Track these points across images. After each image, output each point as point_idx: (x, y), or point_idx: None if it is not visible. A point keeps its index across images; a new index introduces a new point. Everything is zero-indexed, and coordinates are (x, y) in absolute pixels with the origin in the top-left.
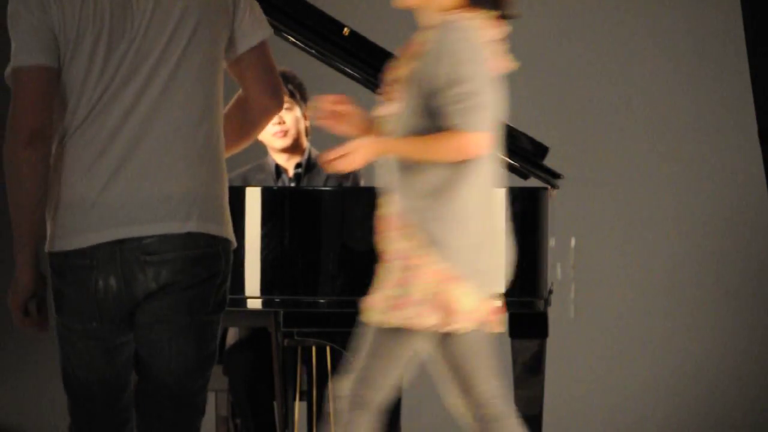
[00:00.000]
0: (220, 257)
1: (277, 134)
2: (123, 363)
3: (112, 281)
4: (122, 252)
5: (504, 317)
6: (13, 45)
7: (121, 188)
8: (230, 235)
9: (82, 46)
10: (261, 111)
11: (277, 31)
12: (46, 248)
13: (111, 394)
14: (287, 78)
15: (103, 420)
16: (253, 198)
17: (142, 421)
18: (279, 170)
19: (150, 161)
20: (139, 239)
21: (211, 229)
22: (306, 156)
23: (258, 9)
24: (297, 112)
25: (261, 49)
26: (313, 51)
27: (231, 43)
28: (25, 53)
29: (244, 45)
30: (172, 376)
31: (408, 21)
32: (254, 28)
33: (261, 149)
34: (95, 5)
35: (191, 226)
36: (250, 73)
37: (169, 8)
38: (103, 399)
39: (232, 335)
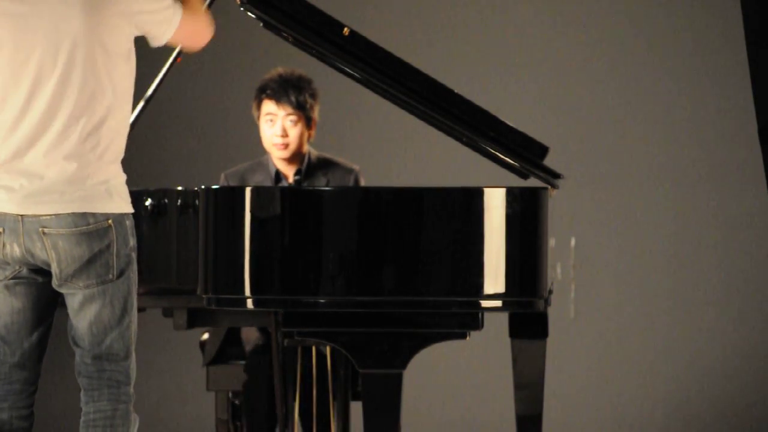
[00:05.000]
0: (111, 228)
1: (278, 146)
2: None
3: (16, 248)
4: (24, 224)
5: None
6: None
7: (21, 175)
8: (121, 208)
9: None
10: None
11: (277, 31)
12: None
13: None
14: (302, 86)
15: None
16: (253, 198)
17: (86, 385)
18: (279, 176)
19: (42, 153)
20: (37, 216)
21: (98, 208)
22: (306, 162)
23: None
24: (302, 125)
25: (174, 37)
26: (313, 51)
27: (149, 38)
28: None
29: (158, 42)
30: (92, 336)
31: (408, 21)
32: (159, 30)
33: (260, 148)
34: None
35: (83, 207)
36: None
37: (54, 19)
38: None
39: (256, 337)
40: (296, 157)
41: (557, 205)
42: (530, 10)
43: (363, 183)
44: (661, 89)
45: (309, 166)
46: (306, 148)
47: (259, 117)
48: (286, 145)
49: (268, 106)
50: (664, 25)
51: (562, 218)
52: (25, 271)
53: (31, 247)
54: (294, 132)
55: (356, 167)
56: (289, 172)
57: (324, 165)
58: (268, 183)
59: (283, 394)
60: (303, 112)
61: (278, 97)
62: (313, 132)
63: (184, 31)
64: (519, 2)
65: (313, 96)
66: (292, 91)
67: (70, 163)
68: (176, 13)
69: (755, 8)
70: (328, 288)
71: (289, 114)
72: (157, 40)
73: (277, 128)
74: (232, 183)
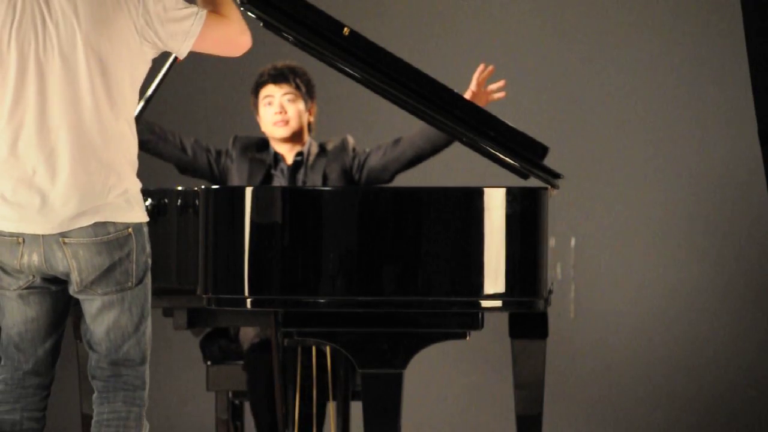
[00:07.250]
0: (131, 236)
1: (278, 123)
2: (45, 314)
3: (35, 257)
4: (44, 236)
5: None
6: None
7: (35, 191)
8: (139, 218)
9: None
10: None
11: (277, 31)
12: None
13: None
14: (296, 72)
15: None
16: (253, 198)
17: (101, 388)
18: (277, 158)
19: (57, 168)
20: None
21: (118, 217)
22: (307, 147)
23: (171, 16)
24: (300, 104)
25: (199, 42)
26: (313, 51)
27: (171, 51)
28: None
29: (182, 53)
30: (110, 342)
31: (408, 21)
32: (178, 41)
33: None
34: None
35: (104, 217)
36: (207, 51)
37: (63, 28)
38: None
39: (252, 336)
40: (297, 140)
41: (557, 205)
42: (530, 10)
43: (353, 144)
44: (661, 89)
45: (309, 153)
46: (307, 137)
47: (257, 106)
48: (287, 122)
49: (266, 89)
50: (665, 25)
51: (562, 218)
52: (38, 281)
53: (50, 257)
54: (293, 109)
55: (345, 136)
56: (290, 156)
57: (320, 149)
58: (263, 168)
59: (283, 394)
60: (300, 92)
61: (275, 79)
62: (312, 119)
63: (210, 39)
64: (519, 2)
65: (310, 84)
66: (290, 73)
67: (91, 178)
68: (197, 23)
69: (756, 8)
70: (328, 288)
71: (287, 92)
72: (178, 53)
73: (275, 106)
74: (237, 146)
